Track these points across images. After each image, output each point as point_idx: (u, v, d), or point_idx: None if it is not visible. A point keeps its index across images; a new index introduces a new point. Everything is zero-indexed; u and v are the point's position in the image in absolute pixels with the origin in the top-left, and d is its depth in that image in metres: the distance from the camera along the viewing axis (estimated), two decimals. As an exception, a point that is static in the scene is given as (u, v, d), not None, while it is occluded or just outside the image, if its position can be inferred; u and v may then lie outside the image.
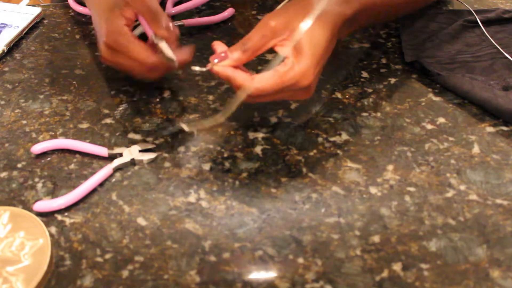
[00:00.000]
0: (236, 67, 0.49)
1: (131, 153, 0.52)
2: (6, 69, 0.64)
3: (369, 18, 0.60)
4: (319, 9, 0.49)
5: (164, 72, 0.56)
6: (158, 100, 0.60)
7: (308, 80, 0.48)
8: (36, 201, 0.48)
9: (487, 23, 0.67)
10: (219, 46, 0.51)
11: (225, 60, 0.49)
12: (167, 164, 0.52)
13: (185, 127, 0.54)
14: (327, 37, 0.50)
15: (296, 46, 0.48)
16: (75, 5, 0.73)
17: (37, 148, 0.53)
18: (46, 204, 0.48)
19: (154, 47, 0.54)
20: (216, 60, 0.49)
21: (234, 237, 0.46)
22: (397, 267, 0.44)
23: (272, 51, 0.51)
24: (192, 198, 0.49)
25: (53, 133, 0.56)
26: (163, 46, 0.53)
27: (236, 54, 0.49)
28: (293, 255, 0.45)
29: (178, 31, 0.55)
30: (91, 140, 0.55)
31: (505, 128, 0.56)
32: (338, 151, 0.53)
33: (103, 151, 0.52)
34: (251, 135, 0.55)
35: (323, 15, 0.50)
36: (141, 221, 0.47)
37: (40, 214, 0.47)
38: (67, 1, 0.74)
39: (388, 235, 0.46)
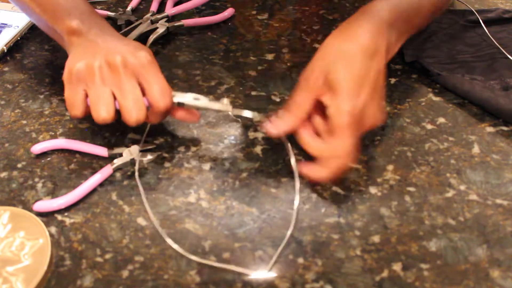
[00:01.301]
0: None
1: (131, 153, 0.52)
2: (6, 69, 0.65)
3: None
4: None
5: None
6: (158, 100, 0.59)
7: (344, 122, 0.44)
8: (36, 201, 0.48)
9: (487, 23, 0.67)
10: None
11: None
12: (167, 164, 0.52)
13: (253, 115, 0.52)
14: (366, 70, 0.46)
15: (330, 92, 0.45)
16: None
17: (37, 148, 0.53)
18: (46, 204, 0.48)
19: None
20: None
21: (234, 237, 0.46)
22: (397, 267, 0.44)
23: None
24: (192, 198, 0.49)
25: (53, 133, 0.56)
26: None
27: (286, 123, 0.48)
28: (293, 255, 0.45)
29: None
30: (91, 140, 0.55)
31: (505, 128, 0.56)
32: (338, 151, 0.53)
33: (103, 151, 0.52)
34: (251, 135, 0.55)
35: (367, 47, 0.47)
36: (141, 221, 0.47)
37: (40, 214, 0.47)
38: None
39: (388, 235, 0.46)
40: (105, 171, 0.50)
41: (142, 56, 0.49)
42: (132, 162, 0.52)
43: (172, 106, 0.50)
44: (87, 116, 0.57)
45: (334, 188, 0.50)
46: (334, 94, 0.45)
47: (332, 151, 0.45)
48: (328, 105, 0.45)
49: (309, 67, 0.48)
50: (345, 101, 0.44)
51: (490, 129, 0.56)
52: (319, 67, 0.47)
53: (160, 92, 0.48)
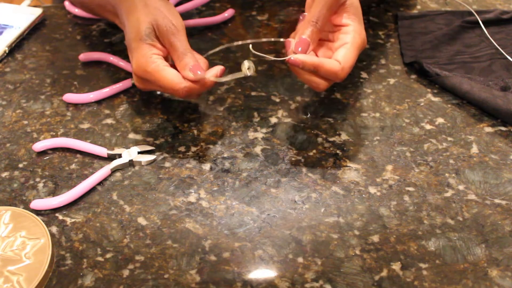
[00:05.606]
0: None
1: (130, 154, 0.52)
2: (8, 69, 0.65)
3: None
4: None
5: (201, 91, 0.53)
6: (158, 100, 0.60)
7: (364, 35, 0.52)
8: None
9: (486, 24, 0.68)
10: (291, 41, 0.52)
11: (307, 45, 0.50)
12: (167, 164, 0.53)
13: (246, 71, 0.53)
14: None
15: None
16: (71, 7, 0.73)
17: (38, 146, 0.53)
18: (43, 202, 0.48)
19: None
20: (300, 49, 0.50)
21: (234, 237, 0.46)
22: (396, 266, 0.44)
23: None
24: (192, 198, 0.49)
25: (54, 133, 0.56)
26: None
27: (308, 30, 0.50)
28: (292, 254, 0.45)
29: (205, 66, 0.54)
30: (92, 140, 0.55)
31: (503, 128, 0.56)
32: (338, 151, 0.54)
33: (102, 151, 0.53)
34: (251, 135, 0.56)
35: None
36: (141, 220, 0.48)
37: (40, 214, 0.48)
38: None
39: (387, 234, 0.46)
40: (102, 172, 0.51)
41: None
42: (130, 163, 0.52)
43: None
44: (88, 116, 0.58)
45: (334, 188, 0.50)
46: (354, 18, 0.52)
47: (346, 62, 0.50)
48: (348, 24, 0.52)
49: None
50: (362, 28, 0.52)
51: (488, 129, 0.56)
52: None
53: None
